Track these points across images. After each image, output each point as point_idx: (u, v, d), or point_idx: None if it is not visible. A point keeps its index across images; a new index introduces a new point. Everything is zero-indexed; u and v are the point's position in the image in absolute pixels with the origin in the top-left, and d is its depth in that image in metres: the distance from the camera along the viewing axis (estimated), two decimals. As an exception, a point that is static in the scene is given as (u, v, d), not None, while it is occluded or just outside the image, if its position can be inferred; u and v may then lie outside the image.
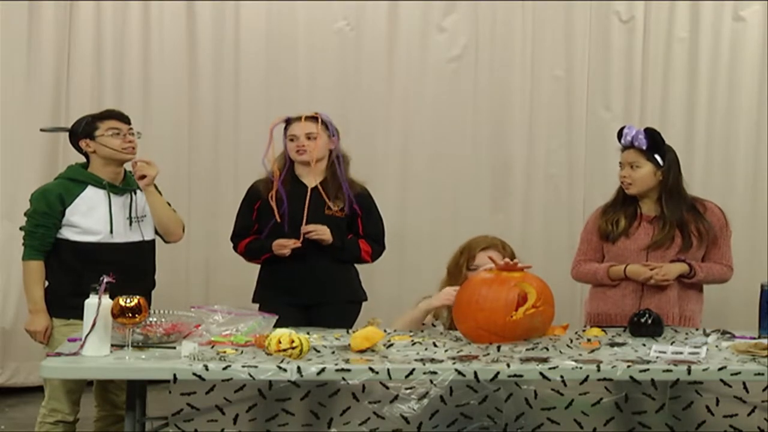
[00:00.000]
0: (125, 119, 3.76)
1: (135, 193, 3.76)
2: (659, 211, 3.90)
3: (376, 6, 5.82)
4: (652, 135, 3.87)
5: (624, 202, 3.95)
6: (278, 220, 3.94)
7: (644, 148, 3.85)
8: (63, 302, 3.62)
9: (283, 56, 5.77)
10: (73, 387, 3.64)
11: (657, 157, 3.86)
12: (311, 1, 5.74)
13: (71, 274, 3.64)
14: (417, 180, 5.89)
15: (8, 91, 5.41)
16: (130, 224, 3.73)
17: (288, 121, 4.05)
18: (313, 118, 4.03)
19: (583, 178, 5.94)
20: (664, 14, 5.92)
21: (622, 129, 3.95)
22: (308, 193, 3.97)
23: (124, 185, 3.75)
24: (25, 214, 3.73)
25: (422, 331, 3.56)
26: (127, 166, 3.78)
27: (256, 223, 4.04)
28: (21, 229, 3.74)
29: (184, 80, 5.71)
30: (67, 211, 3.65)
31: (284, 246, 3.91)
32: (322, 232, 3.92)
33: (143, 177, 3.72)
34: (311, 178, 4.03)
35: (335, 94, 5.78)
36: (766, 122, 5.91)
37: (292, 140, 4.01)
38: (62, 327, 3.61)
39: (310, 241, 3.93)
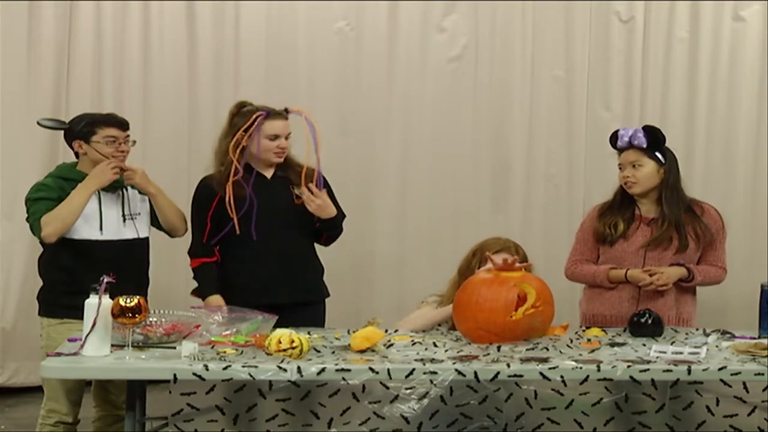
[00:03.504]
0: (124, 126, 3.73)
1: (126, 190, 3.75)
2: (658, 212, 3.89)
3: (376, 6, 5.81)
4: (652, 132, 3.86)
5: (622, 205, 3.93)
6: (238, 230, 3.70)
7: (644, 146, 3.84)
8: (57, 301, 3.63)
9: (283, 56, 5.76)
10: (72, 387, 3.63)
11: (658, 154, 3.86)
12: (311, 1, 5.74)
13: (64, 272, 3.64)
14: (417, 180, 5.88)
15: (8, 91, 5.41)
16: (124, 221, 3.72)
17: (267, 115, 3.77)
18: (287, 114, 3.83)
19: (583, 178, 5.94)
20: (664, 14, 5.91)
21: (615, 132, 3.93)
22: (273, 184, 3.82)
23: (114, 182, 3.71)
24: (27, 202, 3.67)
25: (423, 331, 3.56)
26: None
27: (208, 223, 3.77)
28: (28, 220, 3.64)
29: (184, 80, 5.70)
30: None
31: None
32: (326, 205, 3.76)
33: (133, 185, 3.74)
34: (266, 168, 3.84)
35: (335, 94, 5.78)
36: (766, 122, 5.91)
37: (271, 139, 3.77)
38: (57, 326, 3.61)
39: (282, 235, 3.77)
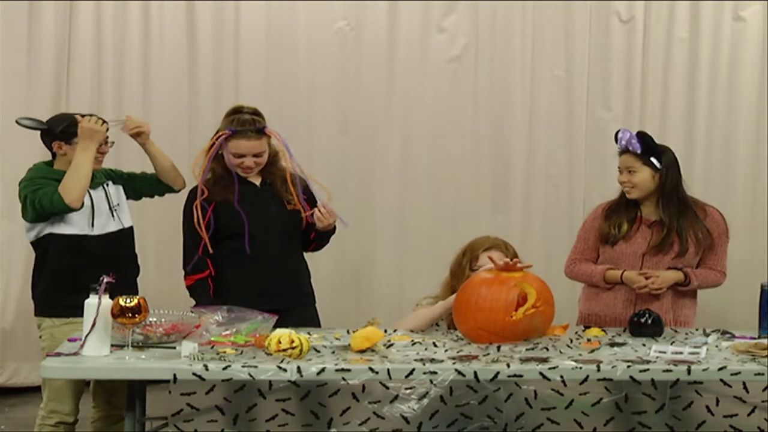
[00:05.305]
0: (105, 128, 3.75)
1: (107, 186, 3.78)
2: (659, 216, 3.87)
3: (376, 6, 5.82)
4: (644, 139, 3.83)
5: (627, 205, 3.92)
6: (210, 249, 3.67)
7: (638, 152, 3.82)
8: (60, 301, 3.62)
9: (283, 56, 5.76)
10: (77, 387, 3.64)
11: (653, 160, 3.84)
12: (311, 1, 5.74)
13: (65, 270, 3.64)
14: (417, 180, 5.88)
15: (8, 91, 5.41)
16: (113, 215, 3.75)
17: (233, 134, 3.69)
18: (260, 133, 3.72)
19: (583, 178, 5.94)
20: (664, 14, 5.92)
21: (617, 132, 3.93)
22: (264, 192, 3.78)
23: (97, 179, 3.72)
24: (28, 195, 3.64)
25: (423, 331, 3.56)
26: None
27: (207, 231, 3.68)
28: (41, 202, 3.58)
29: (184, 80, 5.71)
30: None
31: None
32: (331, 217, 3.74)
33: (140, 134, 3.81)
34: (254, 176, 3.80)
35: (335, 94, 5.79)
36: (766, 122, 5.91)
37: (236, 157, 3.70)
38: (63, 326, 3.60)
39: (278, 241, 3.75)
